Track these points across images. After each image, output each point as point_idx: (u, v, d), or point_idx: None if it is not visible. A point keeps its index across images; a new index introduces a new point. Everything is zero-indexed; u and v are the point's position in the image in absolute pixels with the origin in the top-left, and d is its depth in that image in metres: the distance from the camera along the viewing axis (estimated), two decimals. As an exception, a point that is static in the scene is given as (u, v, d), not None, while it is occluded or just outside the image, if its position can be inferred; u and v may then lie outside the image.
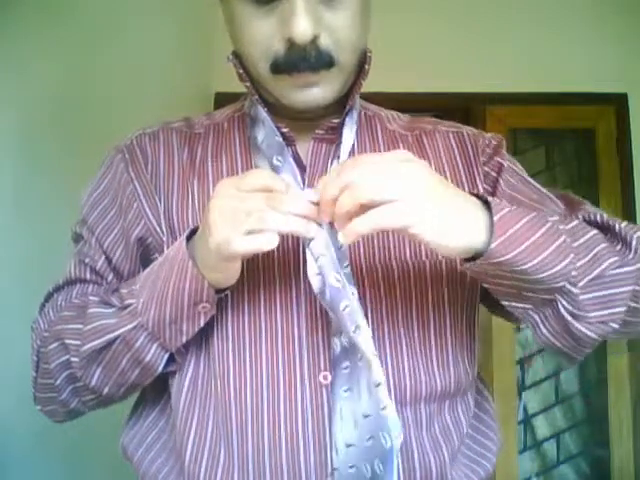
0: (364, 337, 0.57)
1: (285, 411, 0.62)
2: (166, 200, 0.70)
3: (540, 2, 2.32)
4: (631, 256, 0.61)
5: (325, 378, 0.62)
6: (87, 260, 0.72)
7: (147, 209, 0.70)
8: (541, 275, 0.56)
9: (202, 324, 0.63)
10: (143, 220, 0.70)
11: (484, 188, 0.71)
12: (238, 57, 0.68)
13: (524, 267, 0.55)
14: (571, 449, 2.34)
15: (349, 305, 0.57)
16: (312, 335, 0.64)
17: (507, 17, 2.32)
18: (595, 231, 0.61)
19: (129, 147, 0.73)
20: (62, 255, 0.78)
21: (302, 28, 0.59)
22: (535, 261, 0.55)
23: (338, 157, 0.68)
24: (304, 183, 0.67)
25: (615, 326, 0.60)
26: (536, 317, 0.61)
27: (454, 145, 0.74)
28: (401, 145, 0.73)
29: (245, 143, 0.72)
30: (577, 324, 0.59)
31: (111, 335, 0.63)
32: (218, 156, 0.72)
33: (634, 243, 0.61)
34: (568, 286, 0.57)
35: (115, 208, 0.72)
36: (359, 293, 0.62)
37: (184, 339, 0.64)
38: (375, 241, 0.67)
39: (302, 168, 0.68)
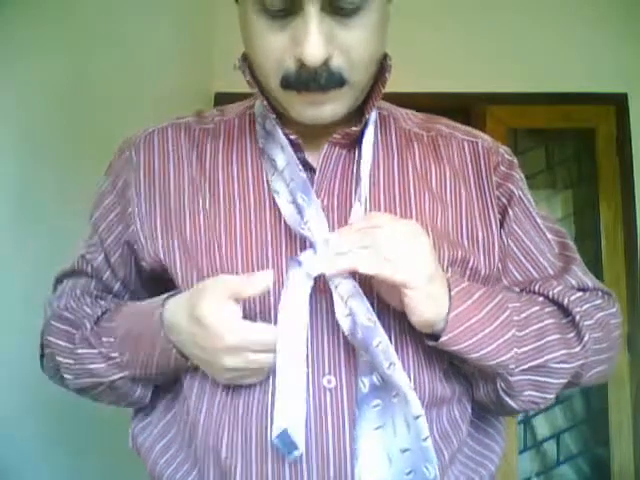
0: (399, 372, 0.58)
1: None
2: (176, 202, 0.69)
3: (540, 2, 2.32)
4: (578, 349, 0.65)
5: (329, 382, 0.62)
6: (89, 257, 0.75)
7: (136, 216, 0.70)
8: (482, 363, 0.62)
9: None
10: (132, 226, 0.71)
11: (495, 216, 0.71)
12: (247, 60, 0.66)
13: (466, 357, 0.61)
14: (571, 449, 2.34)
15: (382, 342, 0.58)
16: (317, 339, 0.63)
17: (507, 17, 2.32)
18: (550, 320, 0.65)
19: (137, 146, 0.73)
20: (65, 254, 0.78)
21: (314, 52, 0.57)
22: (477, 354, 0.61)
23: (358, 167, 0.68)
24: (313, 186, 0.66)
25: (542, 407, 0.67)
26: (477, 380, 0.68)
27: (468, 156, 0.73)
28: (416, 145, 0.73)
29: (256, 152, 0.71)
30: (509, 400, 0.65)
31: (99, 380, 0.68)
32: (229, 164, 0.71)
33: (586, 338, 0.65)
34: (505, 374, 0.63)
35: (118, 209, 0.73)
36: (369, 301, 0.62)
37: (171, 378, 0.69)
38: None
39: (312, 171, 0.67)
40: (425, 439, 0.57)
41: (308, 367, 0.63)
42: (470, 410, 0.71)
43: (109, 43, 1.37)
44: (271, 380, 0.62)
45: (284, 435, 0.57)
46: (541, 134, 2.39)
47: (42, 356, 0.76)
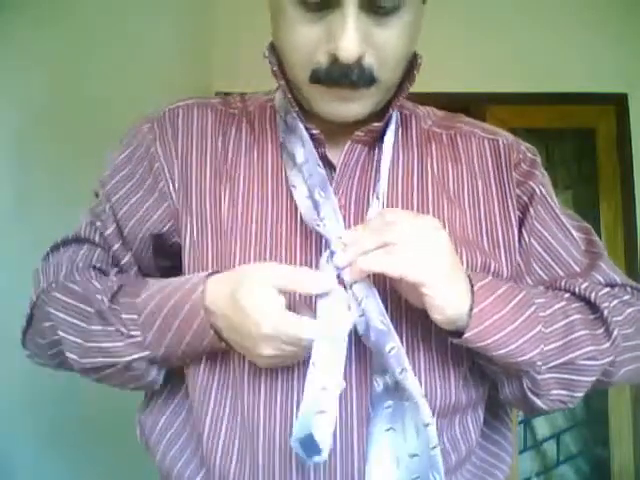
0: (411, 379, 0.57)
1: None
2: (198, 184, 0.68)
3: (540, 2, 2.32)
4: (607, 345, 0.62)
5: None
6: (98, 224, 0.72)
7: (172, 191, 0.69)
8: (507, 360, 0.60)
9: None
10: (167, 202, 0.69)
11: (515, 214, 0.70)
12: (275, 51, 0.65)
13: (491, 354, 0.59)
14: (571, 449, 2.34)
15: (395, 347, 0.57)
16: None
17: (507, 17, 2.31)
18: (577, 316, 0.63)
19: (160, 121, 0.71)
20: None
21: (349, 47, 0.57)
22: (502, 351, 0.59)
23: (378, 163, 0.67)
24: (332, 183, 0.65)
25: (571, 406, 0.64)
26: (503, 379, 0.65)
27: (488, 154, 0.72)
28: (434, 145, 0.72)
29: (276, 146, 0.70)
30: (536, 399, 0.62)
31: (114, 360, 0.63)
32: (250, 154, 0.69)
33: (615, 332, 0.63)
34: (532, 372, 0.60)
35: (135, 180, 0.71)
36: (384, 304, 0.61)
37: (186, 363, 0.66)
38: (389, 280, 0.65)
39: (332, 168, 0.67)
40: (434, 447, 0.57)
41: None
42: (483, 419, 0.70)
43: (109, 43, 1.37)
44: (280, 384, 0.62)
45: (308, 439, 0.55)
46: (541, 134, 2.39)
47: (27, 328, 0.71)
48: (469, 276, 0.60)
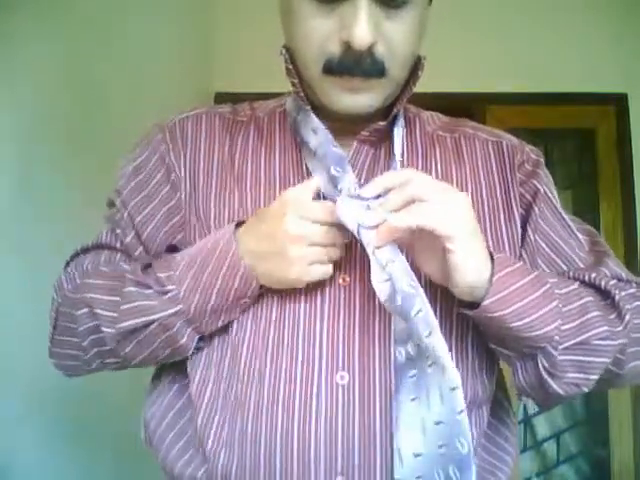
0: (438, 339, 0.56)
1: (299, 409, 0.62)
2: (204, 190, 0.70)
3: (540, 2, 2.32)
4: (620, 328, 0.63)
5: (342, 378, 0.62)
6: (118, 231, 0.73)
7: (187, 199, 0.70)
8: (525, 334, 0.59)
9: (238, 314, 0.66)
10: (183, 210, 0.71)
11: (519, 212, 0.71)
12: (289, 51, 0.67)
13: (510, 325, 0.59)
14: (571, 449, 2.34)
15: (422, 309, 0.56)
16: (332, 334, 0.63)
17: (507, 17, 2.32)
18: (590, 298, 0.63)
19: (172, 129, 0.73)
20: (64, 253, 0.78)
21: (362, 34, 0.58)
22: (521, 322, 0.59)
23: (385, 163, 0.69)
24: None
25: (585, 390, 0.63)
26: (517, 364, 0.64)
27: (492, 155, 0.73)
28: (438, 148, 0.73)
29: (285, 144, 0.71)
30: (552, 382, 0.62)
31: (149, 317, 0.64)
32: (257, 156, 0.71)
33: (627, 317, 0.63)
34: (549, 348, 0.60)
35: (151, 187, 0.72)
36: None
37: (219, 325, 0.66)
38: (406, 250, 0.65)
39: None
40: (460, 412, 0.56)
41: (322, 363, 0.63)
42: (486, 421, 0.70)
43: (109, 43, 1.37)
44: (283, 386, 0.63)
45: None
46: (541, 134, 2.39)
47: (53, 333, 0.72)
48: (487, 246, 0.61)
